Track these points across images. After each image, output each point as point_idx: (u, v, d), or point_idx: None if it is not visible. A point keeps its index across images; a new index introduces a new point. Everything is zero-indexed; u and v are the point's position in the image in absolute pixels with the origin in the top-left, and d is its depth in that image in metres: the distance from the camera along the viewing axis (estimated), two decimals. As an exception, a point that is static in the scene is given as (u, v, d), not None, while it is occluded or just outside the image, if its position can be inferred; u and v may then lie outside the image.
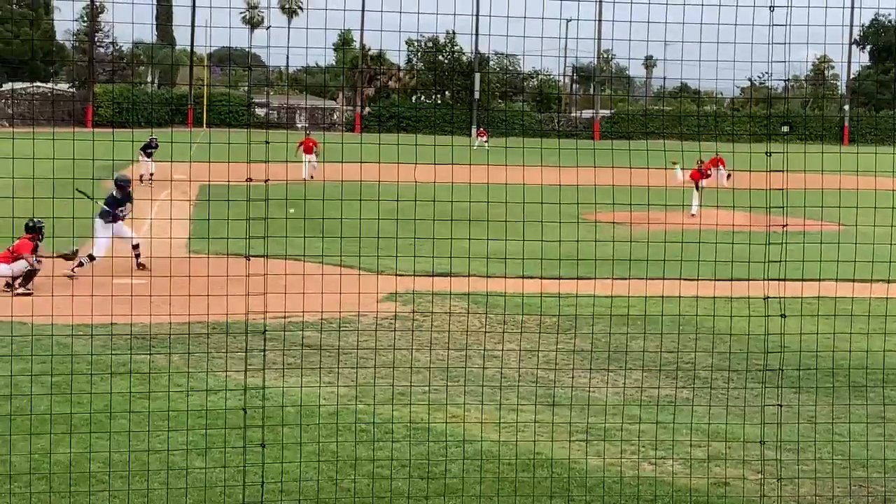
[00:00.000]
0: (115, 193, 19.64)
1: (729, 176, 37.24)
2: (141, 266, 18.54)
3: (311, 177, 34.17)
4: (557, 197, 9.76)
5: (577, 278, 11.41)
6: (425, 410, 9.95)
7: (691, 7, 9.57)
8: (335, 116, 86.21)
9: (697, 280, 10.21)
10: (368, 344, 12.04)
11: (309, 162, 37.42)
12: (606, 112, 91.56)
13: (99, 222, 19.07)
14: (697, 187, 34.41)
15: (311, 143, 39.52)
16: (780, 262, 8.63)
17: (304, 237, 9.61)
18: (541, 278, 12.38)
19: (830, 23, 9.93)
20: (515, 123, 69.09)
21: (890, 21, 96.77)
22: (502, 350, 12.04)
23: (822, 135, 71.54)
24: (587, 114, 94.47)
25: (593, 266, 9.89)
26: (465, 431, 9.83)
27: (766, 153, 9.03)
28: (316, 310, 12.49)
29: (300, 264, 10.28)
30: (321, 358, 12.36)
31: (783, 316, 9.06)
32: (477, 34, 62.81)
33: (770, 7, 9.25)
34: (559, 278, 12.66)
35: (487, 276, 11.87)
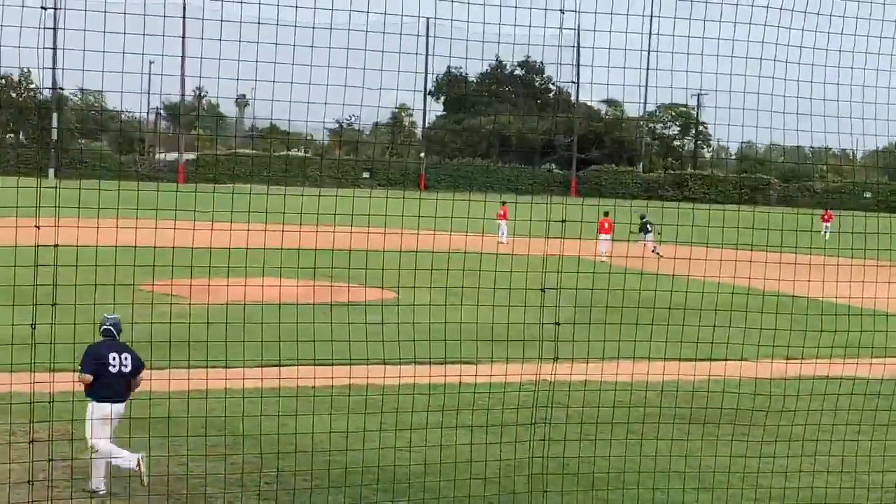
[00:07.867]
0: None
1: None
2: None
3: None
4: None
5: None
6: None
7: (284, 47, 9.67)
8: None
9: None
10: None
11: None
12: (192, 155, 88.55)
13: None
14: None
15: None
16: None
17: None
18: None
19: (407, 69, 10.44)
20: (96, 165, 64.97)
21: (462, 73, 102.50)
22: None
23: (403, 181, 73.84)
24: (171, 156, 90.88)
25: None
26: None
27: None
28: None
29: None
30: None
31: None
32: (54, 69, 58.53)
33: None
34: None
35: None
